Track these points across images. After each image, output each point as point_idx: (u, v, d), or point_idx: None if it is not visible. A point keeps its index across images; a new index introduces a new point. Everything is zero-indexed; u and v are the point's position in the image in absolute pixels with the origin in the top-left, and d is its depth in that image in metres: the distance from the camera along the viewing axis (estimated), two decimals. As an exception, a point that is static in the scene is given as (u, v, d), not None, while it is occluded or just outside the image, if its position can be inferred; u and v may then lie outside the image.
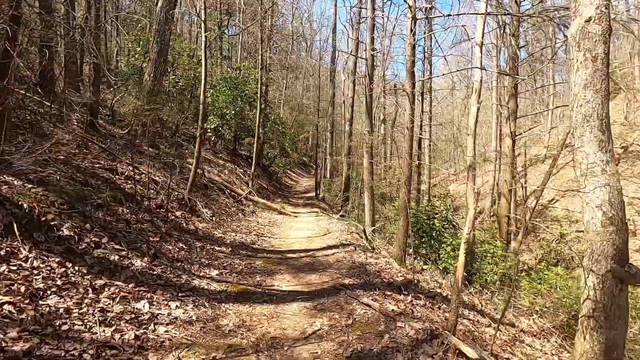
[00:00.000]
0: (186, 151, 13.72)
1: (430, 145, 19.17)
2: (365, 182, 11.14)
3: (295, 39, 25.91)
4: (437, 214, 7.66)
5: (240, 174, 16.31)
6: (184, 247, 5.34)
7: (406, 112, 6.29)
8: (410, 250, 6.93)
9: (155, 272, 4.10)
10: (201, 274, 4.61)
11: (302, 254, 6.47)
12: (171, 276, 4.20)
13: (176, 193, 7.27)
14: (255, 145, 13.62)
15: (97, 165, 6.07)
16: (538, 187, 22.24)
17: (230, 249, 6.05)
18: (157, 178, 7.25)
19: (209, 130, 16.34)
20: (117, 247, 4.20)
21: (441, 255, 7.18)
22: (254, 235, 7.73)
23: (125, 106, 12.37)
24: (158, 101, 11.36)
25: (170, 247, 5.06)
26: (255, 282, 4.75)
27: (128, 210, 5.20)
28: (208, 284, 4.34)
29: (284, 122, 20.12)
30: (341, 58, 27.49)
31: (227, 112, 15.31)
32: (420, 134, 15.32)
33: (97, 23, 9.29)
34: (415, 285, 5.03)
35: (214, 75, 15.97)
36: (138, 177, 6.81)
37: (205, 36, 7.37)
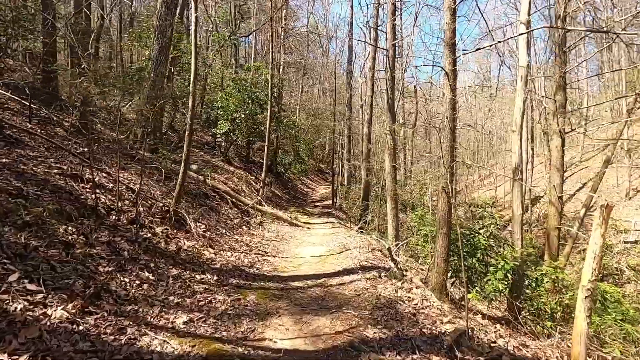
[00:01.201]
0: (192, 157, 12.51)
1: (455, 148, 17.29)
2: (388, 189, 9.54)
3: (310, 42, 24.66)
4: (480, 228, 6.01)
5: (252, 182, 14.99)
6: (151, 277, 3.91)
7: (445, 97, 4.73)
8: (449, 274, 5.28)
9: (80, 328, 2.66)
10: (160, 323, 3.14)
11: (310, 282, 4.94)
12: (107, 332, 2.75)
13: (160, 204, 5.90)
14: (265, 149, 12.24)
15: (55, 171, 4.75)
16: (577, 191, 19.93)
17: (217, 276, 4.59)
18: (136, 187, 5.89)
19: (218, 136, 15.15)
20: (33, 287, 2.79)
21: (488, 281, 5.49)
22: (255, 254, 6.25)
23: (129, 107, 11.35)
24: (159, 102, 10.18)
25: (128, 280, 3.62)
26: (238, 334, 3.24)
27: (76, 230, 3.82)
28: (164, 342, 2.86)
29: (299, 126, 18.73)
30: (358, 63, 26.09)
31: (237, 115, 14.06)
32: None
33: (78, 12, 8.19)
34: (470, 338, 3.40)
35: (223, 79, 14.78)
36: (111, 185, 5.49)
37: (196, 16, 6.03)
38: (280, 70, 16.82)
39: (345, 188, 18.18)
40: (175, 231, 5.64)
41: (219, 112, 14.71)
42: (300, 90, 23.53)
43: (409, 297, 4.38)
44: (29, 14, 8.19)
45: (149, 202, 5.77)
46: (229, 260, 5.51)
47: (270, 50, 12.42)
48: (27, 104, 6.65)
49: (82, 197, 4.58)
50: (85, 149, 6.23)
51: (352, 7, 18.55)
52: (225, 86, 14.36)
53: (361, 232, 9.97)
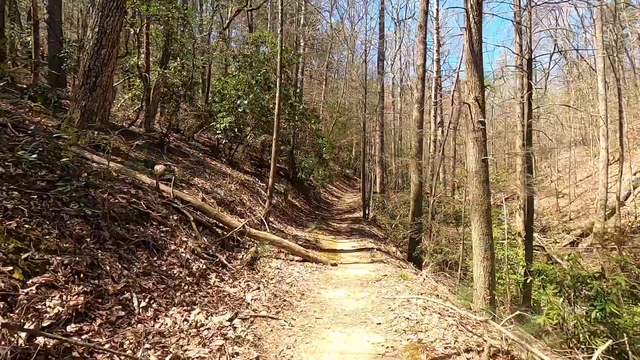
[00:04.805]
0: (178, 158, 8.53)
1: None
2: (473, 201, 5.00)
3: (336, 33, 20.48)
4: None
5: (262, 191, 10.87)
6: None
7: None
8: None
9: None
10: None
11: None
12: None
13: None
14: (273, 144, 8.06)
15: None
16: None
17: None
18: None
19: (219, 132, 11.10)
20: None
21: None
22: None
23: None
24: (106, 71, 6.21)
25: None
26: None
27: None
28: None
29: (320, 117, 14.42)
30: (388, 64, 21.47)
31: (240, 103, 10.03)
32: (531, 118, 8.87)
33: None
34: None
35: (222, 51, 10.81)
36: None
37: None
38: (302, 49, 12.69)
39: (379, 197, 13.68)
40: None
41: (218, 100, 10.80)
42: (324, 81, 19.31)
43: None
44: None
45: None
46: None
47: (280, 6, 8.29)
48: None
49: None
50: None
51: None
52: (228, 64, 10.35)
53: (426, 276, 5.45)
